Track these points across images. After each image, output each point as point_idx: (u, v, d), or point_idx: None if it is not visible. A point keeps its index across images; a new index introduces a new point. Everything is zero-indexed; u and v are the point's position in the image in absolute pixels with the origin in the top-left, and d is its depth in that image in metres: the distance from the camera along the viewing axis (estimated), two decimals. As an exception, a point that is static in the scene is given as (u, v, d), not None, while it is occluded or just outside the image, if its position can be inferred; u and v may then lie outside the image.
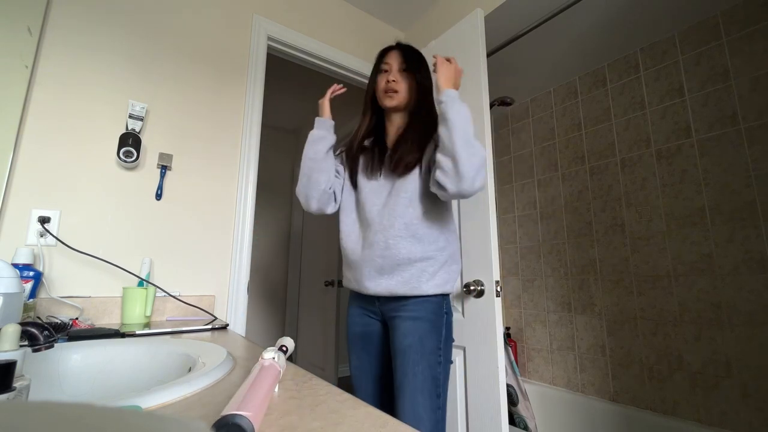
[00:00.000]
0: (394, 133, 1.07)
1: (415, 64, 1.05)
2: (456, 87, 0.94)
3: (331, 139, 1.04)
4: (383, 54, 1.08)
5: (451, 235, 1.01)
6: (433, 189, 0.91)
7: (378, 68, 1.07)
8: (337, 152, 1.13)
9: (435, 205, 0.98)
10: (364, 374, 1.03)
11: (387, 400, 1.00)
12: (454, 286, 1.00)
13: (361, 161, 1.06)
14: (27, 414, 0.10)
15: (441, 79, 0.93)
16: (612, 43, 1.77)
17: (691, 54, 1.63)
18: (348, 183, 1.08)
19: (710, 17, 1.58)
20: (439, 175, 0.86)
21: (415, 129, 1.00)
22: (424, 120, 1.02)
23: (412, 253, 0.93)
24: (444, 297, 0.97)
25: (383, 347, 1.03)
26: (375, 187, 1.01)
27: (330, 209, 1.07)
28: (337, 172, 1.08)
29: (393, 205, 0.96)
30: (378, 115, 1.11)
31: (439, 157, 0.87)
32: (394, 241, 0.93)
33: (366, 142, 1.08)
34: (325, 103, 1.07)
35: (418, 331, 0.91)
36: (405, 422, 0.85)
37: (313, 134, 1.03)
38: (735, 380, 1.40)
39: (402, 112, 1.06)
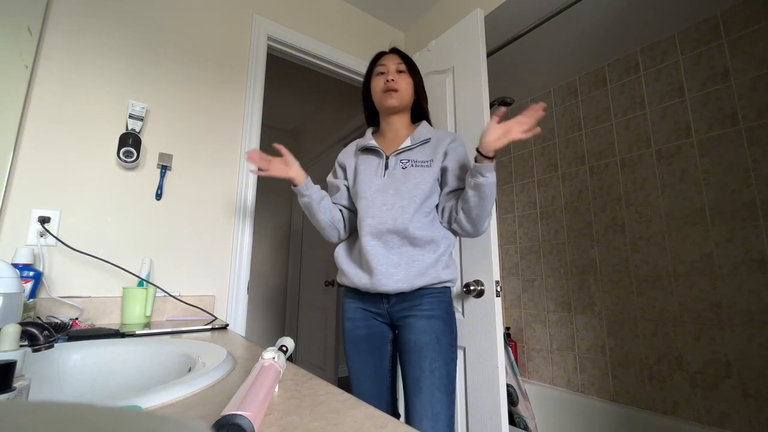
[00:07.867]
0: (392, 137, 1.06)
1: (411, 65, 1.06)
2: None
3: (315, 197, 1.01)
4: (377, 58, 1.08)
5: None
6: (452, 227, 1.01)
7: (372, 72, 1.07)
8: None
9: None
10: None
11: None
12: None
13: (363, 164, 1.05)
14: (27, 414, 0.10)
15: (491, 137, 0.85)
16: (612, 43, 1.77)
17: (691, 54, 1.62)
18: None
19: (710, 17, 1.57)
20: (456, 228, 0.99)
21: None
22: (426, 120, 1.07)
23: None
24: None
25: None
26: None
27: (335, 238, 1.09)
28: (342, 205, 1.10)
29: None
30: (375, 119, 1.13)
31: (462, 216, 0.95)
32: None
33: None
34: (291, 172, 0.99)
35: (434, 329, 0.93)
36: (424, 418, 0.85)
37: (301, 203, 1.03)
38: (735, 380, 1.40)
39: (400, 113, 1.06)
